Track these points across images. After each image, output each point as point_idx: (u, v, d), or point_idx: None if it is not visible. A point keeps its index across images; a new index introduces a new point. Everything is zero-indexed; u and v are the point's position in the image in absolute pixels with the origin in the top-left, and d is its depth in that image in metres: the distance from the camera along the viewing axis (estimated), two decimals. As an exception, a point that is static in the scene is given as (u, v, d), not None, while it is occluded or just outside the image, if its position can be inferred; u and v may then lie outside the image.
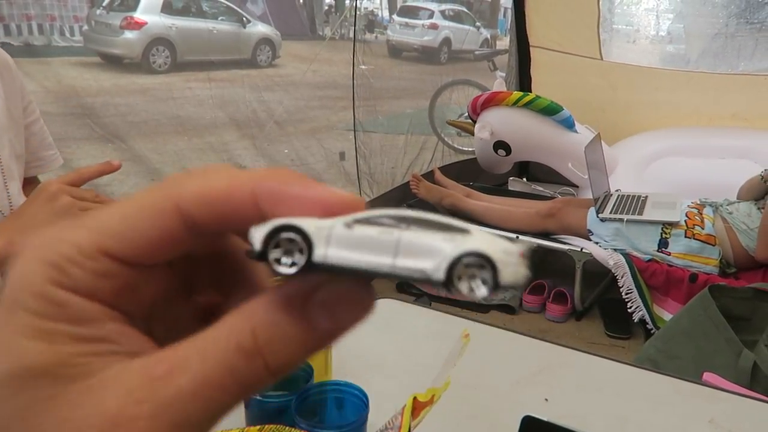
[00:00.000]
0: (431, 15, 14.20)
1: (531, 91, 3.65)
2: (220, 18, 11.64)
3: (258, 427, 0.64)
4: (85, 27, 11.23)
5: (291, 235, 0.18)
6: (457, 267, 0.18)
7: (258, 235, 0.18)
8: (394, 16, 15.19)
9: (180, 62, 10.24)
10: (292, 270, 0.18)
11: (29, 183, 0.86)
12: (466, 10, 16.70)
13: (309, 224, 0.18)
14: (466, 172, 3.46)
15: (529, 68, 3.95)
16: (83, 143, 4.95)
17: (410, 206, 2.86)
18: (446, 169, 3.20)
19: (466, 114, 3.46)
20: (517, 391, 0.94)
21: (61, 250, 0.16)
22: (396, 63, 12.61)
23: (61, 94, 7.06)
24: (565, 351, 1.08)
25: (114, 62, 9.86)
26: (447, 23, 14.14)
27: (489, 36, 16.57)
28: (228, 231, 0.20)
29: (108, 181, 3.88)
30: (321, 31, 18.34)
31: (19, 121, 0.80)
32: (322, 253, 0.18)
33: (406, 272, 0.18)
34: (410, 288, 2.63)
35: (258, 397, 0.74)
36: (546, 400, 0.91)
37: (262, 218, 0.18)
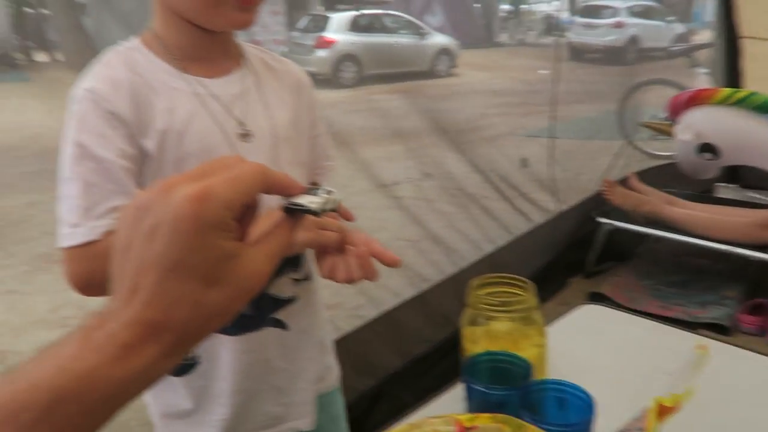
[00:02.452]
0: (616, 13, 13.36)
1: (741, 87, 3.26)
2: (401, 32, 12.16)
3: (473, 415, 0.67)
4: (285, 48, 12.46)
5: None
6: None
7: (300, 200, 0.39)
8: (576, 17, 14.56)
9: (365, 76, 10.90)
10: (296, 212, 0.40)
11: None
12: (655, 5, 15.38)
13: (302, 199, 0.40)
14: (664, 177, 3.19)
15: (739, 62, 3.52)
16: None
17: (602, 214, 2.71)
18: (642, 175, 2.98)
19: (663, 115, 3.19)
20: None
21: (227, 202, 0.34)
22: (578, 65, 12.06)
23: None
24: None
25: (308, 79, 10.76)
26: (634, 20, 13.20)
27: (683, 31, 15.09)
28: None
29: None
30: (498, 38, 18.19)
31: (304, 132, 0.92)
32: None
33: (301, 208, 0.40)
34: (603, 300, 2.50)
35: (481, 389, 0.77)
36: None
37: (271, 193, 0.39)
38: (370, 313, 2.13)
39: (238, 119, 0.81)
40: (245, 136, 0.82)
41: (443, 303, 2.17)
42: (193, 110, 0.78)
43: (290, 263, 0.89)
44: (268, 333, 0.88)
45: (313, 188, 0.41)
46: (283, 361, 0.91)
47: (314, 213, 0.39)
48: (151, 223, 0.33)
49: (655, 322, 1.12)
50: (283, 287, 0.89)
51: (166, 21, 0.78)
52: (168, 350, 0.34)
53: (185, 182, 0.34)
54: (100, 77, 0.76)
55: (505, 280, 0.92)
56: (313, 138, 0.95)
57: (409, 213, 3.07)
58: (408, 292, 2.24)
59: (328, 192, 0.40)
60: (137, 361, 0.33)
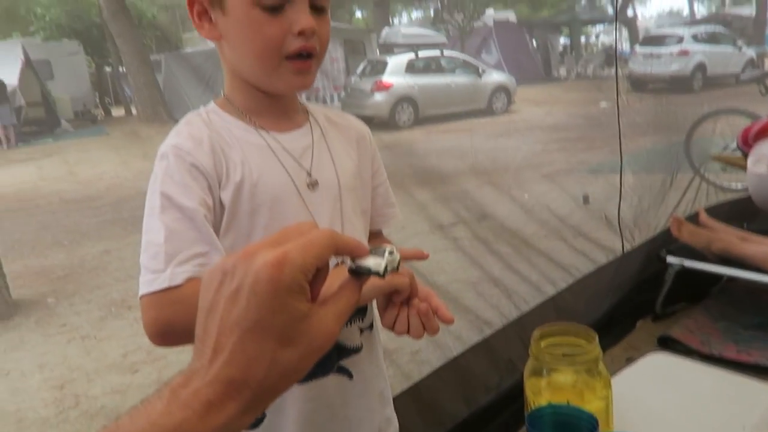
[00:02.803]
0: (680, 40, 13.01)
1: (821, 114, 3.07)
2: (457, 71, 12.29)
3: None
4: (343, 94, 12.83)
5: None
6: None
7: (365, 263, 0.44)
8: (636, 47, 14.27)
9: (422, 116, 11.05)
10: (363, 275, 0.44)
11: (374, 236, 1.02)
12: (722, 30, 14.88)
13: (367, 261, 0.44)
14: (738, 212, 3.02)
15: (817, 87, 3.34)
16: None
17: (670, 253, 2.59)
18: (713, 210, 2.84)
19: (735, 146, 3.04)
20: None
21: (302, 267, 0.38)
22: (641, 96, 11.73)
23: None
24: None
25: (366, 122, 11.01)
26: (700, 47, 12.81)
27: (755, 55, 14.46)
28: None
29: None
30: (556, 72, 18.07)
31: (367, 182, 0.97)
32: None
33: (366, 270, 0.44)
34: (674, 344, 2.36)
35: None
36: None
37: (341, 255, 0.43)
38: (431, 357, 2.11)
39: (307, 170, 0.86)
40: (313, 186, 0.86)
41: (508, 348, 2.12)
42: (265, 162, 0.83)
43: (358, 312, 0.91)
44: (333, 381, 0.89)
45: (376, 248, 0.45)
46: (345, 410, 0.91)
47: (378, 275, 0.44)
48: (234, 286, 0.37)
49: (729, 372, 1.05)
50: (349, 336, 0.90)
51: (235, 86, 0.85)
52: (247, 407, 0.37)
53: (265, 248, 0.38)
54: (183, 135, 0.82)
55: (568, 330, 0.89)
56: (375, 188, 0.99)
57: (466, 254, 3.05)
58: (469, 336, 2.20)
59: (390, 253, 0.45)
60: (220, 418, 0.36)
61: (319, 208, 0.85)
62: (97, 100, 15.58)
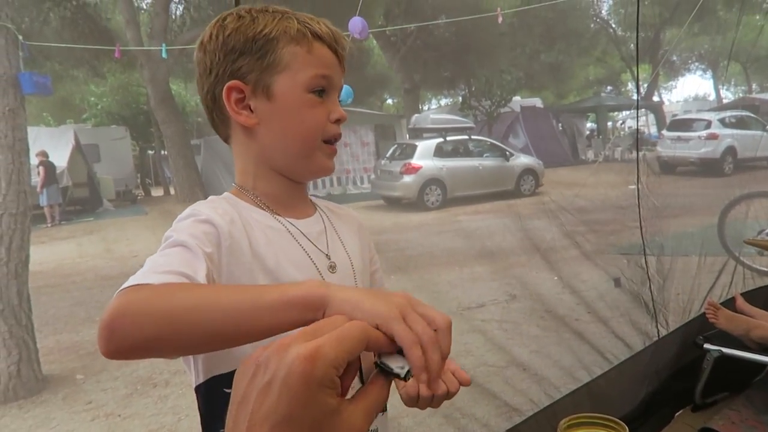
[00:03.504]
0: (708, 125, 13.08)
1: None
2: (485, 155, 12.51)
3: None
4: (373, 176, 13.09)
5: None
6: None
7: (390, 362, 0.44)
8: (664, 131, 14.36)
9: (450, 198, 11.16)
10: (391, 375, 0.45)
11: None
12: (750, 114, 14.96)
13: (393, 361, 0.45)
14: (777, 297, 2.93)
15: None
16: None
17: (708, 339, 2.49)
18: (750, 295, 2.75)
19: (768, 230, 2.99)
20: None
21: (334, 361, 0.39)
22: (671, 179, 11.69)
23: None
24: None
25: (394, 203, 11.22)
26: (729, 131, 12.84)
27: (785, 139, 14.34)
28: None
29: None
30: (584, 156, 18.18)
31: (368, 267, 1.02)
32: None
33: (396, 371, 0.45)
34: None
35: None
36: None
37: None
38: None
39: (326, 253, 0.89)
40: (333, 268, 0.89)
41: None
42: (288, 244, 0.85)
43: None
44: None
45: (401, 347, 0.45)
46: None
47: (399, 378, 0.44)
48: (267, 379, 0.38)
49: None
50: None
51: (260, 174, 0.87)
52: None
53: (299, 341, 0.39)
54: (204, 205, 0.84)
55: (596, 420, 0.87)
56: (372, 273, 1.03)
57: (494, 336, 2.98)
58: (496, 423, 2.12)
59: None
60: None
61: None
62: (138, 181, 16.27)
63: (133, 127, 16.50)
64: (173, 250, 0.73)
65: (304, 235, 0.87)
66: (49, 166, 10.58)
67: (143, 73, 11.60)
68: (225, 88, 0.79)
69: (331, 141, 0.85)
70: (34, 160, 10.79)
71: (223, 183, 9.83)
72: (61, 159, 11.05)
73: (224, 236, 0.78)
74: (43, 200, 10.55)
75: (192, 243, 0.74)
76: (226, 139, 0.87)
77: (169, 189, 14.31)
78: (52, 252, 7.66)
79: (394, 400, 0.94)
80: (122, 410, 3.13)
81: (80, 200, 11.86)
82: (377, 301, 0.48)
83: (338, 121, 0.84)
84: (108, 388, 3.39)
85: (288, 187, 0.89)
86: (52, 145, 11.02)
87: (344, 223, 0.98)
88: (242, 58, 0.79)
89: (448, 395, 0.75)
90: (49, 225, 10.22)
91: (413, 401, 0.79)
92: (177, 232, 0.77)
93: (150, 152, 18.14)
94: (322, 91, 0.82)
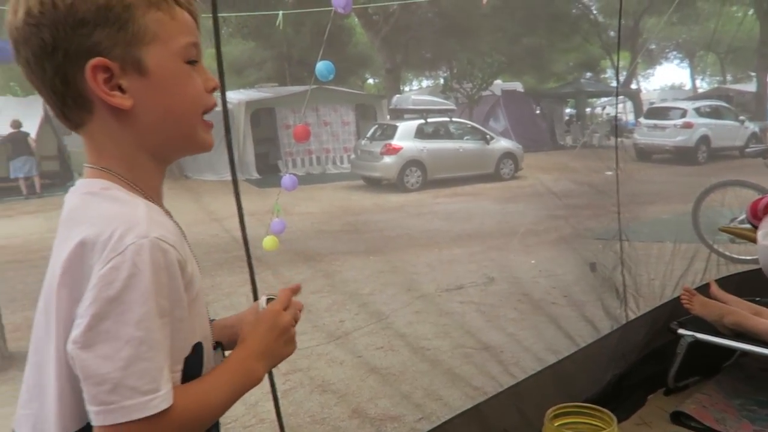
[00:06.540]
0: (684, 114, 13.25)
1: (828, 189, 3.07)
2: (465, 138, 12.50)
3: None
4: (353, 156, 13.01)
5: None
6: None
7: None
8: (641, 119, 14.50)
9: (430, 180, 11.14)
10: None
11: None
12: (725, 105, 15.19)
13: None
14: (749, 285, 2.97)
15: (822, 162, 3.36)
16: (349, 257, 5.58)
17: (682, 324, 2.53)
18: (723, 282, 2.79)
19: (743, 218, 3.03)
20: None
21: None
22: (647, 166, 11.82)
23: (334, 213, 8.12)
24: None
25: (374, 184, 11.16)
26: (703, 120, 13.03)
27: (758, 129, 14.66)
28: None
29: (371, 291, 4.27)
30: (563, 141, 18.31)
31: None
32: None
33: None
34: (688, 420, 2.27)
35: None
36: None
37: None
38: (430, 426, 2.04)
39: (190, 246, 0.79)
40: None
41: (502, 418, 2.04)
42: (184, 244, 0.75)
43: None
44: None
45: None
46: None
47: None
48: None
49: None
50: None
51: (138, 164, 0.74)
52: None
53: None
54: (155, 222, 0.69)
55: (582, 410, 0.85)
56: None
57: (471, 318, 2.99)
58: (462, 403, 2.13)
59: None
60: None
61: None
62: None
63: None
64: (161, 324, 0.64)
65: (180, 229, 0.77)
66: (20, 137, 10.31)
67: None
68: (89, 67, 0.66)
69: (207, 113, 0.76)
70: (3, 130, 10.48)
71: (199, 158, 9.63)
72: (29, 130, 10.75)
73: (185, 275, 0.69)
74: (14, 172, 10.28)
75: (178, 313, 0.67)
76: (77, 127, 0.73)
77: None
78: (20, 227, 7.47)
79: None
80: None
81: (50, 174, 11.56)
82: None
83: (215, 90, 0.76)
84: (78, 366, 3.33)
85: (161, 173, 0.78)
86: (21, 115, 10.70)
87: None
88: (99, 31, 0.66)
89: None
90: (24, 198, 10.05)
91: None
92: (160, 291, 0.64)
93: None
94: (196, 61, 0.74)
